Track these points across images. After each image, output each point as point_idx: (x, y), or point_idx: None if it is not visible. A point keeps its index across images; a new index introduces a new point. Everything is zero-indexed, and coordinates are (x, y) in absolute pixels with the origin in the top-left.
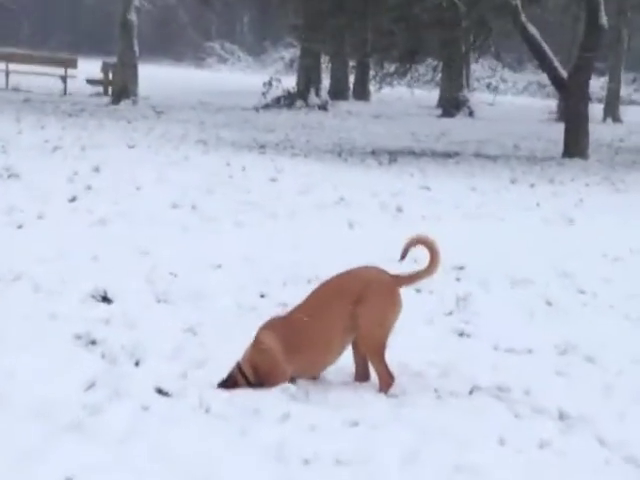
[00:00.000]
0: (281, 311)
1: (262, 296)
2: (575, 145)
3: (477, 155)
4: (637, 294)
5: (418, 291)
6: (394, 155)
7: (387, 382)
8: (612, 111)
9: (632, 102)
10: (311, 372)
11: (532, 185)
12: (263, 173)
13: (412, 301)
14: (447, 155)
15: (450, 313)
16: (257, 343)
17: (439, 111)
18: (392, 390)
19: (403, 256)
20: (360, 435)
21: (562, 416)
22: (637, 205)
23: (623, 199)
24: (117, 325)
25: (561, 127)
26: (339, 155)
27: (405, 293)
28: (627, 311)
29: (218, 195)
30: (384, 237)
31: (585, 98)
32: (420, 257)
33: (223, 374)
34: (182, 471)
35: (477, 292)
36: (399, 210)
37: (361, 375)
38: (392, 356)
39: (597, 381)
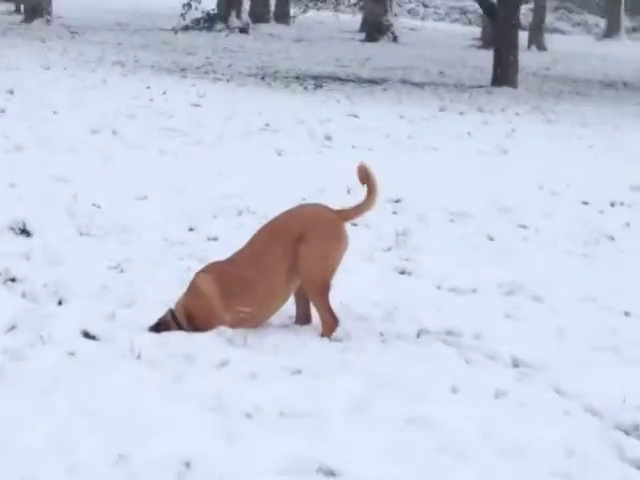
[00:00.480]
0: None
1: (191, 229)
2: (504, 73)
3: (403, 82)
4: (578, 230)
5: (354, 225)
6: (319, 80)
7: (330, 326)
8: (537, 39)
9: (555, 30)
10: (252, 321)
11: (462, 113)
12: (185, 98)
13: (349, 237)
14: (373, 82)
15: (389, 249)
16: (193, 288)
17: (362, 36)
18: (336, 334)
19: (363, 181)
20: (304, 384)
21: (516, 363)
22: (569, 136)
23: (554, 129)
24: (38, 261)
25: (486, 54)
26: (262, 79)
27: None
28: (570, 247)
29: (139, 120)
30: (313, 166)
31: (515, 25)
32: (353, 187)
33: (153, 315)
34: (111, 423)
35: (415, 227)
36: (328, 138)
37: (302, 317)
38: (333, 297)
39: (548, 324)
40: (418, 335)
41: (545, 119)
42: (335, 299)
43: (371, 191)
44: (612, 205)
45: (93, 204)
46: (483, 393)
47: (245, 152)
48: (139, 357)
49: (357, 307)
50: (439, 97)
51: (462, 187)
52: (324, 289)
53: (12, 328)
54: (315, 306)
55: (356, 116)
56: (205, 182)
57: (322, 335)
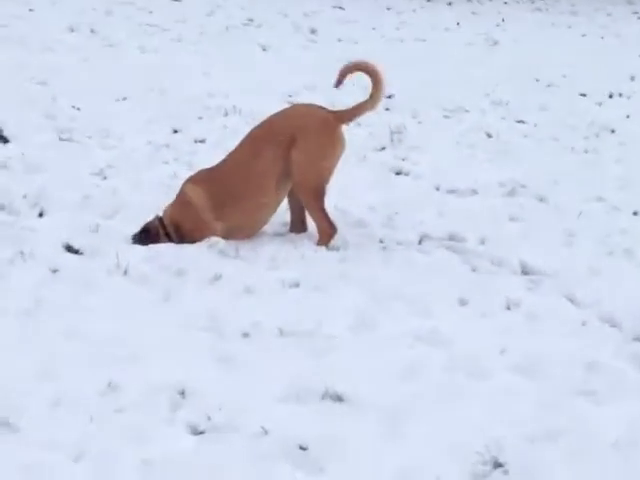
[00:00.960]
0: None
1: (175, 131)
2: None
3: None
4: (577, 123)
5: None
6: None
7: (328, 233)
8: None
9: None
10: (244, 231)
11: (449, 3)
12: None
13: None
14: None
15: (383, 148)
16: (182, 198)
17: None
18: (333, 242)
19: (339, 82)
20: (303, 298)
21: (525, 270)
22: (559, 25)
23: (544, 18)
24: (17, 170)
25: None
26: None
27: None
28: (570, 142)
29: (118, 17)
30: (300, 61)
31: None
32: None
33: (138, 225)
34: (99, 348)
35: (410, 124)
36: (313, 32)
37: (297, 225)
38: (328, 201)
39: (555, 226)
40: (420, 241)
41: (535, 8)
42: (330, 203)
43: (376, 88)
44: (610, 96)
45: (73, 106)
46: (493, 304)
47: (229, 48)
48: (126, 273)
49: (354, 211)
50: None
51: (454, 80)
52: (319, 194)
53: None
54: (310, 213)
55: (342, 8)
56: (188, 81)
57: (319, 244)
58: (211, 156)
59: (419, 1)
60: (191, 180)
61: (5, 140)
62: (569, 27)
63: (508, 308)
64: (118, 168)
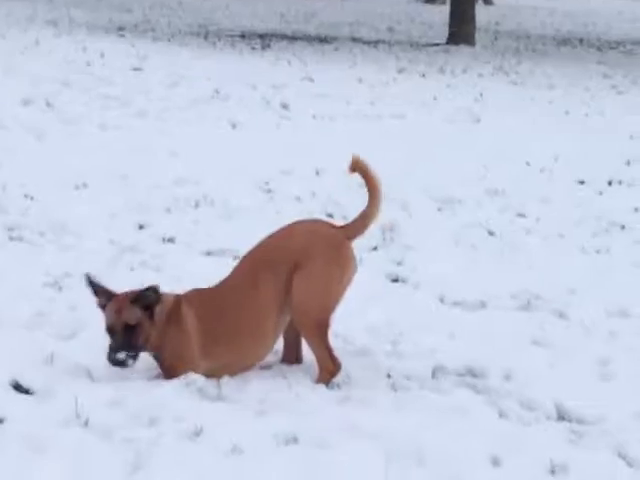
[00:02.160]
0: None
1: (141, 227)
2: (461, 30)
3: (354, 40)
4: (582, 217)
5: (329, 216)
6: (266, 39)
7: (330, 371)
8: None
9: None
10: (233, 369)
11: (423, 75)
12: (125, 61)
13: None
14: (323, 39)
15: (376, 248)
16: (175, 314)
17: None
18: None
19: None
20: (302, 459)
21: (562, 414)
22: (539, 99)
23: (523, 93)
24: None
25: (433, 9)
26: (205, 39)
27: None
28: (579, 241)
29: (76, 89)
30: (273, 142)
31: None
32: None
33: (99, 351)
34: None
35: (401, 218)
36: (284, 107)
37: (291, 356)
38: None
39: (585, 352)
40: (433, 374)
41: (510, 81)
42: None
43: (373, 192)
44: (610, 184)
45: (25, 195)
46: (534, 467)
47: (196, 125)
48: (87, 423)
49: (354, 334)
50: (395, 57)
51: (441, 164)
52: (323, 327)
53: None
54: (311, 347)
55: (311, 79)
56: (153, 164)
57: (318, 381)
58: (182, 258)
59: (391, 72)
60: (188, 300)
61: None
62: (550, 102)
63: (552, 472)
64: (76, 276)
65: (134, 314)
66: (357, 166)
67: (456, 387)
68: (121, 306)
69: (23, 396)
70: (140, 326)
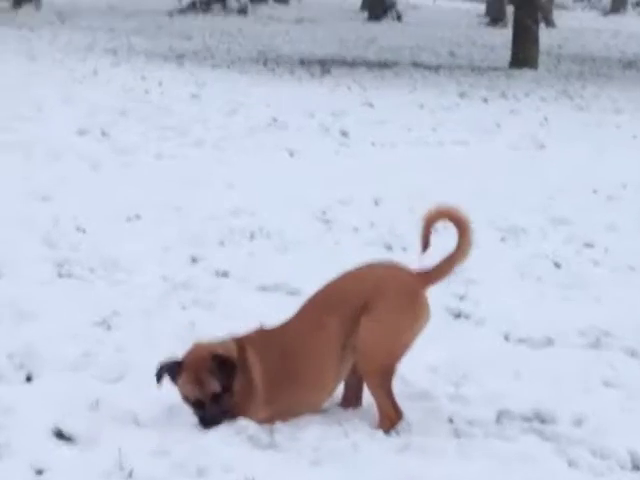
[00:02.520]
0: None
1: (194, 260)
2: (524, 54)
3: (415, 64)
4: None
5: (388, 248)
6: (326, 65)
7: (391, 420)
8: (545, 15)
9: (558, 6)
10: (289, 415)
11: (485, 100)
12: (183, 89)
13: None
14: (383, 65)
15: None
16: (241, 357)
17: (364, 15)
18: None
19: (425, 245)
20: None
21: (637, 463)
22: (606, 124)
23: (589, 118)
24: (3, 318)
25: (494, 32)
26: (265, 65)
27: (379, 257)
28: None
29: (133, 118)
30: (332, 169)
31: (535, 2)
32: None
33: (146, 395)
34: None
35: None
36: (344, 134)
37: (351, 401)
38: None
39: None
40: (498, 419)
41: (575, 105)
42: None
43: (464, 236)
44: None
45: (77, 228)
46: None
47: (253, 153)
48: (130, 475)
49: (412, 376)
50: (456, 81)
51: (504, 192)
52: (388, 375)
53: None
54: (372, 393)
55: (371, 105)
56: (208, 195)
57: (378, 427)
58: (236, 294)
59: (452, 97)
60: (251, 342)
61: None
62: (617, 127)
63: None
64: (125, 315)
65: (215, 382)
66: (440, 215)
67: (523, 433)
68: (199, 376)
69: (65, 444)
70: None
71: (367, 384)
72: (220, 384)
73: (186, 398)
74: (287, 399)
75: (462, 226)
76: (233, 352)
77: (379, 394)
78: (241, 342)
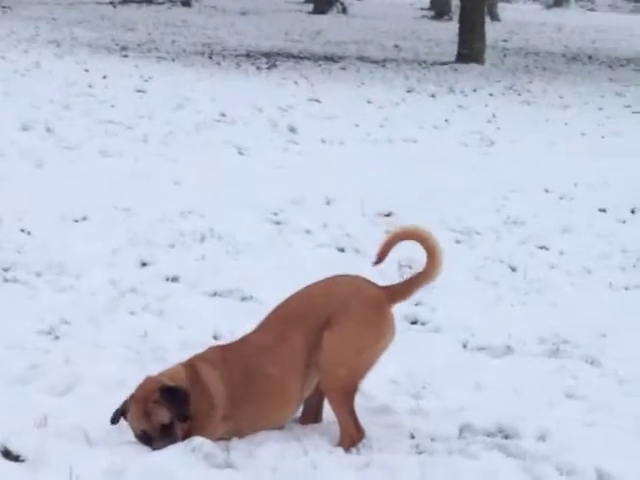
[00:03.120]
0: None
1: (144, 264)
2: (471, 48)
3: (361, 58)
4: (606, 250)
5: (341, 251)
6: (272, 58)
7: (352, 438)
8: (490, 9)
9: None
10: (249, 431)
11: (432, 95)
12: (128, 82)
13: (344, 271)
14: (329, 59)
15: None
16: (195, 377)
17: (309, 7)
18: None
19: (380, 259)
20: None
21: None
22: (554, 121)
23: (537, 114)
24: None
25: (439, 26)
26: (210, 58)
27: (332, 265)
28: (606, 275)
29: (77, 112)
30: (281, 168)
31: None
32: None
33: (96, 410)
34: None
35: (418, 253)
36: (292, 130)
37: (310, 416)
38: None
39: (623, 408)
40: (461, 434)
41: (522, 100)
42: None
43: (432, 257)
44: (633, 212)
45: (22, 230)
46: None
47: (201, 151)
48: None
49: (372, 390)
50: (404, 76)
51: (456, 191)
52: (350, 393)
53: None
54: (334, 410)
55: (318, 101)
56: (157, 194)
57: (338, 445)
58: (187, 300)
59: (400, 92)
60: (207, 361)
61: None
62: (565, 123)
63: None
64: (73, 324)
65: (164, 413)
66: (412, 234)
67: (486, 449)
68: (147, 409)
69: (13, 464)
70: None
71: (329, 401)
72: (170, 415)
73: (135, 432)
74: (248, 417)
75: (431, 249)
76: (182, 380)
77: (341, 412)
78: (193, 364)
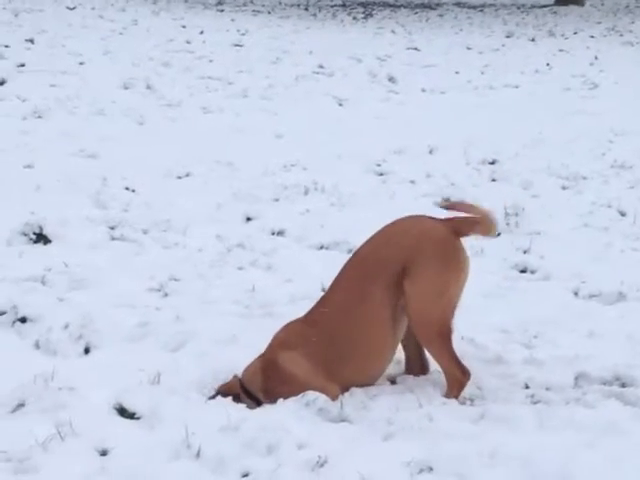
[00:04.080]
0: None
1: (249, 219)
2: None
3: (458, 4)
4: None
5: (446, 200)
6: (368, 7)
7: (459, 381)
8: None
9: None
10: (358, 383)
11: (532, 39)
12: (225, 37)
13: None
14: (426, 6)
15: (499, 234)
16: (275, 368)
17: None
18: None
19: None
20: None
21: None
22: None
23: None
24: (57, 285)
25: None
26: (306, 10)
27: (438, 215)
28: None
29: (176, 69)
30: (382, 119)
31: None
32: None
33: (210, 368)
34: None
35: (523, 198)
36: (392, 80)
37: (415, 366)
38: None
39: None
40: (576, 383)
41: (625, 41)
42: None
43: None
44: None
45: (126, 188)
46: None
47: (301, 103)
48: (198, 455)
49: (484, 341)
50: (502, 21)
51: (561, 137)
52: (444, 334)
53: (19, 407)
54: (434, 358)
55: (417, 49)
56: (259, 149)
57: (447, 395)
58: (293, 254)
59: (499, 38)
60: (284, 345)
61: (46, 240)
62: None
63: None
64: (182, 281)
65: None
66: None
67: (603, 398)
68: None
69: (128, 422)
70: None
71: (428, 350)
72: None
73: None
74: (345, 376)
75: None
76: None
77: (441, 357)
78: (268, 357)
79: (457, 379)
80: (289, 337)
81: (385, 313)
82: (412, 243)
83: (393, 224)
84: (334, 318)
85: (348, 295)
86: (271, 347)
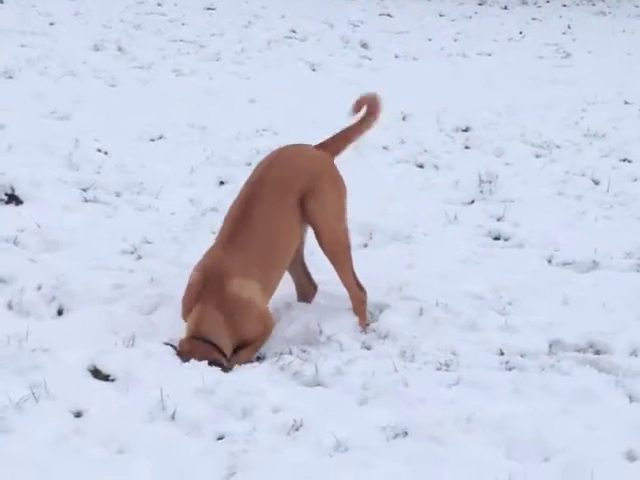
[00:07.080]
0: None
1: (222, 183)
2: None
3: None
4: None
5: (420, 167)
6: None
7: (361, 300)
8: None
9: None
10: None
11: (505, 7)
12: (197, 0)
13: (424, 187)
14: None
15: (472, 202)
16: (231, 300)
17: None
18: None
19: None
20: (416, 457)
21: None
22: (630, 32)
23: (612, 23)
24: (30, 247)
25: None
26: None
27: (412, 181)
28: None
29: (148, 31)
30: (355, 84)
31: None
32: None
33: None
34: None
35: (497, 166)
36: (364, 46)
37: (306, 288)
38: (417, 286)
39: None
40: (550, 349)
41: (597, 11)
42: (433, 295)
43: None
44: None
45: (99, 150)
46: None
47: (273, 68)
48: (173, 417)
49: (460, 307)
50: None
51: (533, 104)
52: (349, 251)
53: None
54: (342, 276)
55: (389, 15)
56: (232, 113)
57: (354, 311)
58: None
59: (471, 5)
60: (228, 275)
61: (17, 201)
62: None
63: None
64: (155, 243)
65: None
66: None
67: (578, 365)
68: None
69: (103, 384)
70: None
71: (336, 267)
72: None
73: None
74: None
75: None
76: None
77: (347, 274)
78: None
79: (359, 297)
80: (225, 266)
81: (297, 228)
82: (309, 166)
83: (282, 150)
84: (257, 234)
85: (266, 210)
86: (211, 283)
